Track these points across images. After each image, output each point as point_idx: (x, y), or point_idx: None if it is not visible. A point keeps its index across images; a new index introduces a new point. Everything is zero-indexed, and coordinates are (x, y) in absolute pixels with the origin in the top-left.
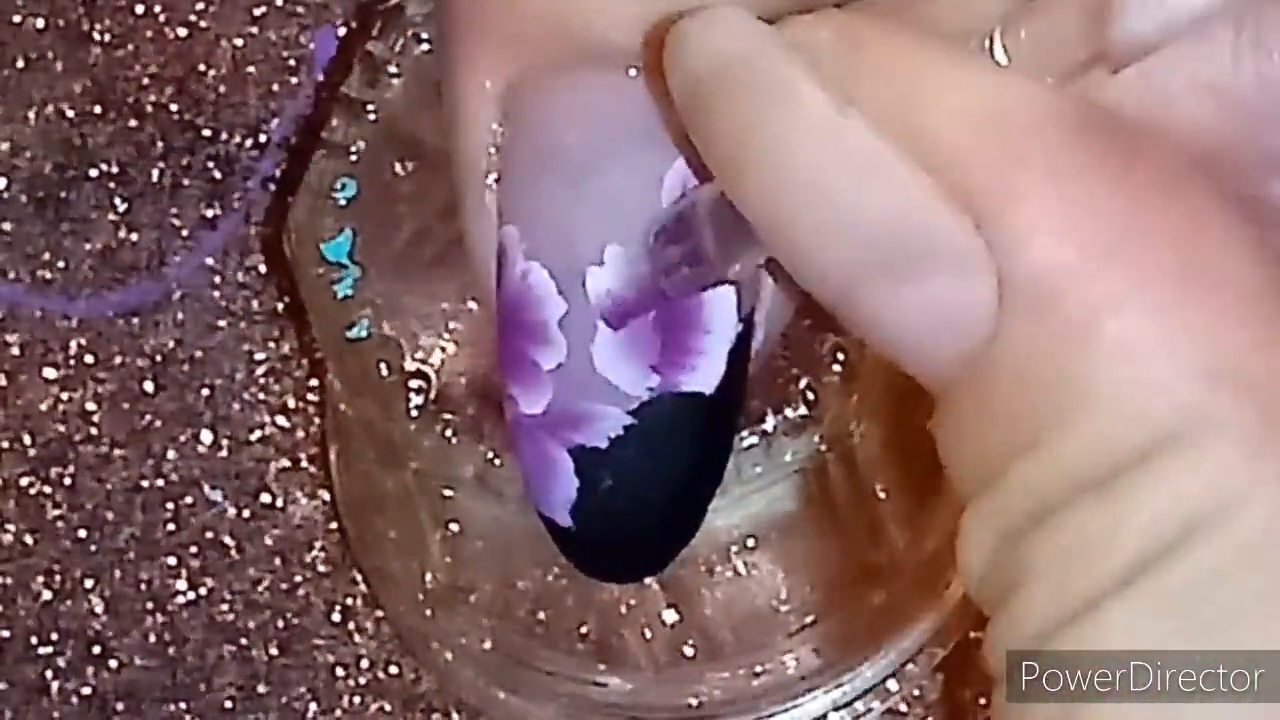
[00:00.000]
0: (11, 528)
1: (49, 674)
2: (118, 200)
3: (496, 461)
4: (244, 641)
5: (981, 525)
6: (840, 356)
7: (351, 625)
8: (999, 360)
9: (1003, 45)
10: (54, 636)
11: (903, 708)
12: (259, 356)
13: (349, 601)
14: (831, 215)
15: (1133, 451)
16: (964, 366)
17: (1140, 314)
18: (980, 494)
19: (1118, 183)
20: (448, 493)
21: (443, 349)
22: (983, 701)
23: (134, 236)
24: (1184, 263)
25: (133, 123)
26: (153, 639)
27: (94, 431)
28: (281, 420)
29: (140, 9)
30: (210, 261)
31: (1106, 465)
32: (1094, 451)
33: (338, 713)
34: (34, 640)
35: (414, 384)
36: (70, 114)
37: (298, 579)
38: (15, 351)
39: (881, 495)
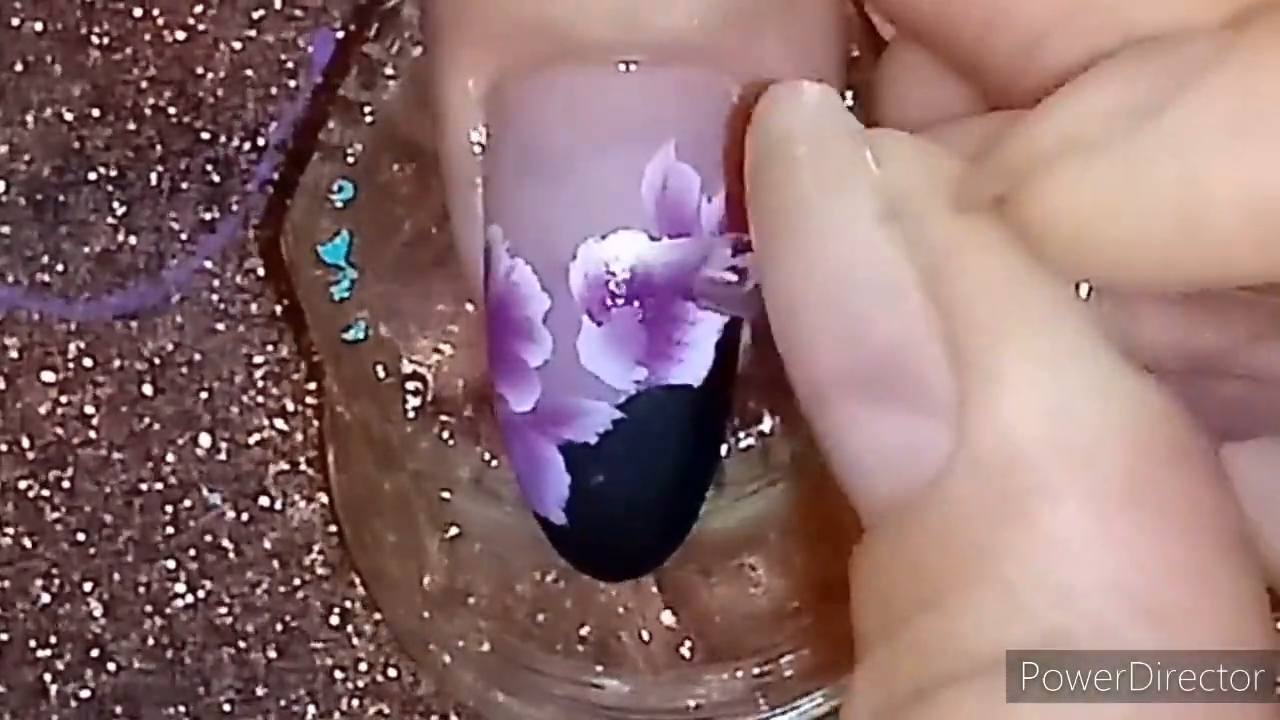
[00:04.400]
0: (10, 531)
1: (48, 677)
2: (116, 203)
3: (494, 464)
4: (242, 644)
5: (868, 687)
6: None
7: (350, 628)
8: (929, 510)
9: (1089, 292)
10: (53, 639)
11: None
12: (257, 359)
13: (348, 604)
14: (833, 319)
15: (1021, 651)
16: (899, 506)
17: (1077, 513)
18: (875, 648)
19: (1102, 385)
20: (445, 495)
21: (440, 351)
22: None
23: (132, 239)
24: (1136, 474)
25: (131, 126)
26: (151, 642)
27: (92, 434)
28: (280, 423)
29: (138, 12)
30: (209, 264)
31: (993, 655)
32: (987, 636)
33: (336, 715)
34: (33, 643)
35: (411, 386)
36: (68, 117)
37: (296, 582)
38: (14, 355)
39: None
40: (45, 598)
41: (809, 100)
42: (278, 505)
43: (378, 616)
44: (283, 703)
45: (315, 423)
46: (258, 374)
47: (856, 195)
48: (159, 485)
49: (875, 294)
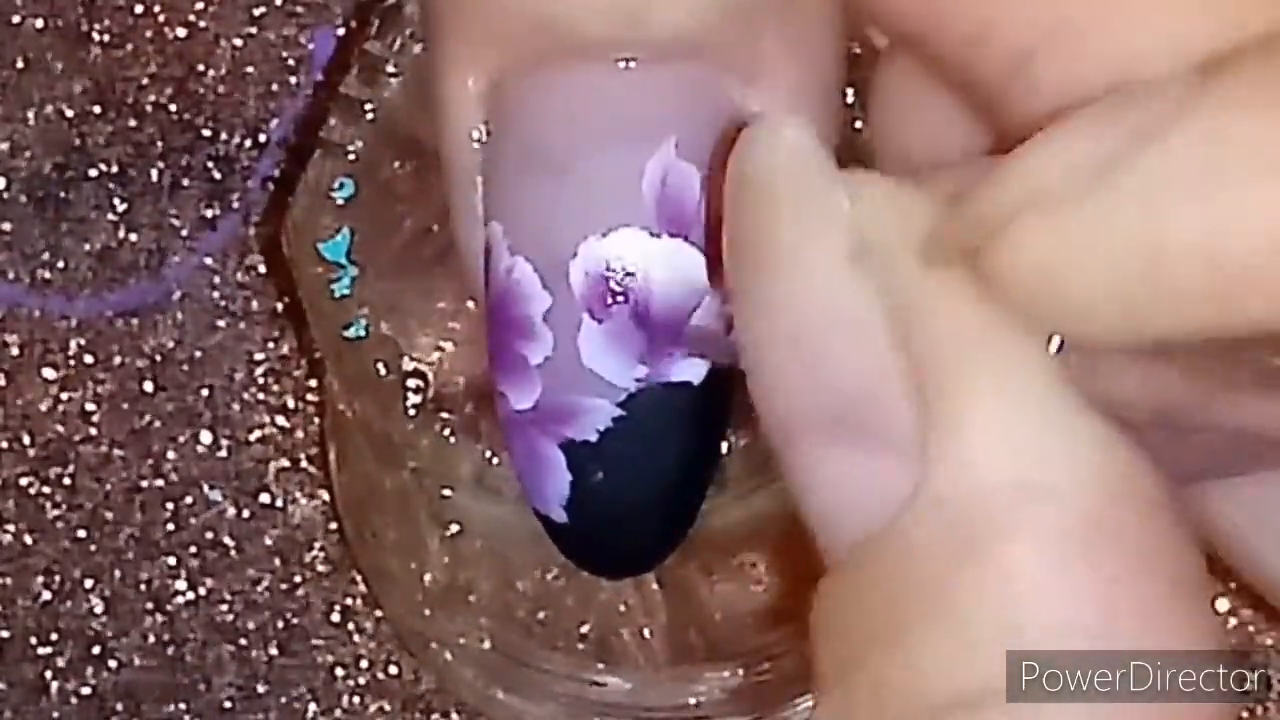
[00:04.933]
0: (11, 528)
1: (48, 674)
2: (117, 200)
3: (494, 461)
4: (243, 641)
5: None
6: None
7: (351, 625)
8: (889, 548)
9: (1059, 345)
10: (53, 636)
11: None
12: (258, 357)
13: (348, 601)
14: (800, 355)
15: (976, 689)
16: (861, 544)
17: (1035, 553)
18: (833, 687)
19: (1065, 430)
20: (446, 492)
21: (441, 348)
22: None
23: (133, 236)
24: (1097, 517)
25: (132, 123)
26: (152, 639)
27: (93, 432)
28: (281, 420)
29: (139, 9)
30: (210, 261)
31: (948, 694)
32: (943, 675)
33: (337, 713)
34: (33, 640)
35: (412, 383)
36: (69, 114)
37: (297, 579)
38: (14, 352)
39: None
40: (46, 595)
41: (786, 138)
42: (279, 502)
43: (378, 614)
44: (283, 700)
45: (316, 420)
46: (258, 371)
47: (829, 235)
48: (160, 482)
49: (843, 333)
